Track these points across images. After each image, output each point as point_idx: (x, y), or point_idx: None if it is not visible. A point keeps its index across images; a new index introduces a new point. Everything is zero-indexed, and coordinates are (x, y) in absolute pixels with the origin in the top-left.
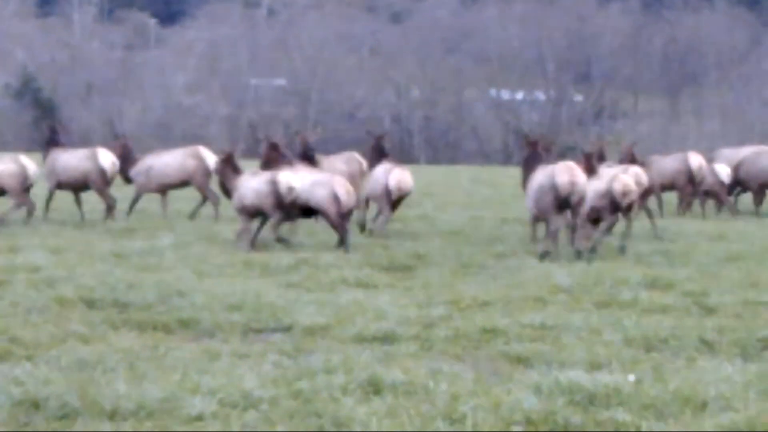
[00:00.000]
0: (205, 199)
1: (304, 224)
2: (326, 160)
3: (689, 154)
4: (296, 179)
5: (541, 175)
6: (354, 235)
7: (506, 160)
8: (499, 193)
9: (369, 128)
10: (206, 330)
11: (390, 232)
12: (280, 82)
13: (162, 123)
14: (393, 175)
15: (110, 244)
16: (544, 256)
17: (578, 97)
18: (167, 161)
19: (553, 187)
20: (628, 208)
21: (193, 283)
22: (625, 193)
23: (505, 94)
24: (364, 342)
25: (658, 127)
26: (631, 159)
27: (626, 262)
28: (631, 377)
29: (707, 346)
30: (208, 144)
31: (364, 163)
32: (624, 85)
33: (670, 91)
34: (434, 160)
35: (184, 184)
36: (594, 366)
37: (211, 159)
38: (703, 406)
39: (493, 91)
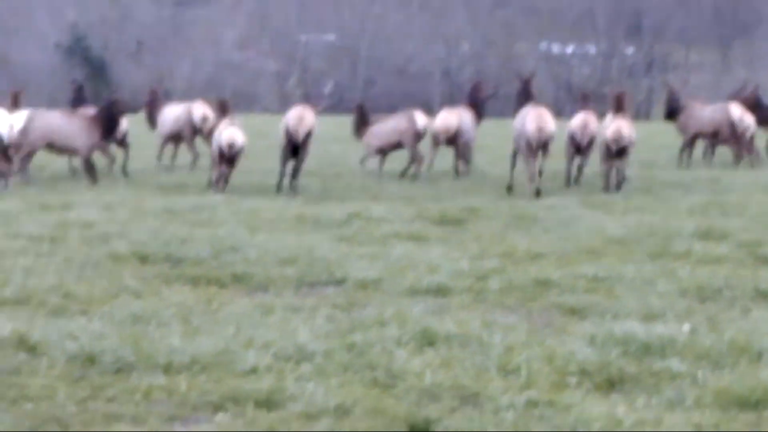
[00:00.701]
0: (413, 159)
1: (356, 179)
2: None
3: (730, 105)
4: None
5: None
6: (406, 187)
7: (556, 114)
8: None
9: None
10: (259, 284)
11: (441, 186)
12: (330, 37)
13: (212, 80)
14: (530, 118)
15: (162, 199)
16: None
17: (629, 50)
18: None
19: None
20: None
21: (245, 238)
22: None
23: (556, 48)
24: (417, 295)
25: (709, 78)
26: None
27: (680, 213)
28: (686, 327)
29: (762, 296)
30: (257, 100)
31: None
32: (675, 37)
33: (722, 43)
34: (485, 113)
35: (398, 146)
36: (648, 317)
37: (422, 121)
38: (759, 356)
39: (543, 45)
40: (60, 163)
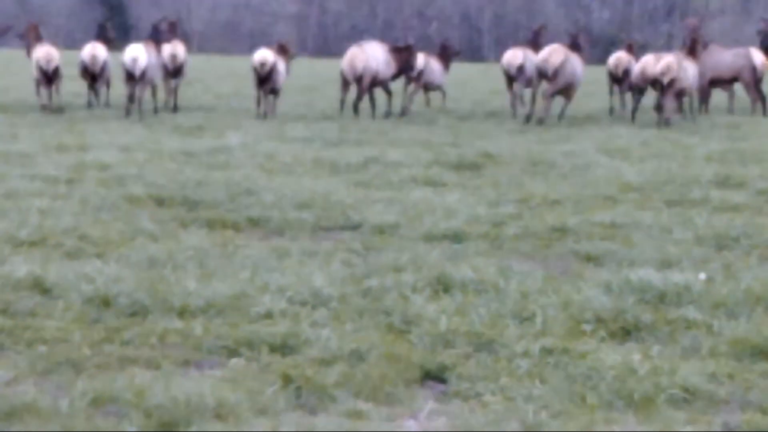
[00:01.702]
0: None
1: (375, 123)
2: None
3: (751, 49)
4: None
5: None
6: (424, 132)
7: None
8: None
9: None
10: (275, 228)
11: (459, 131)
12: None
13: (230, 21)
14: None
15: (179, 142)
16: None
17: None
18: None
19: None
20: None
21: (262, 182)
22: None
23: None
24: (434, 240)
25: (730, 24)
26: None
27: (697, 160)
28: (702, 276)
29: None
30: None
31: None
32: None
33: None
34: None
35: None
36: (664, 264)
37: (759, 58)
38: None
39: None
40: (79, 103)
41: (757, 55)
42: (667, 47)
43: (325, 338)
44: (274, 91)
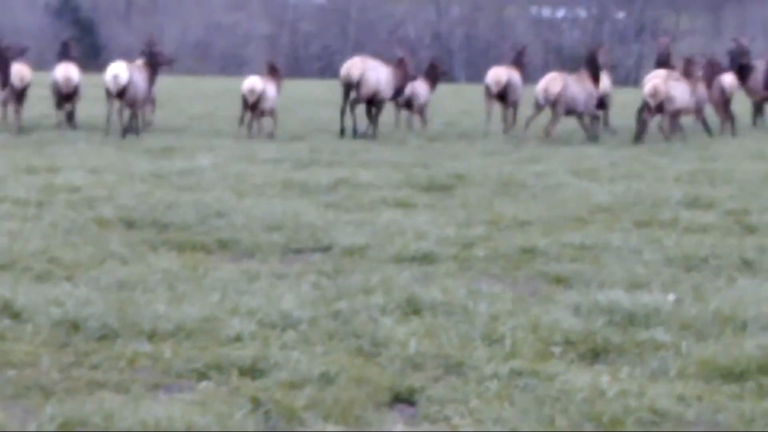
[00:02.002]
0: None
1: (345, 144)
2: None
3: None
4: None
5: None
6: (394, 153)
7: None
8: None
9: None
10: (245, 250)
11: (429, 152)
12: (320, 0)
13: (201, 42)
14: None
15: (149, 164)
16: None
17: (620, 14)
18: None
19: None
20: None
21: (232, 203)
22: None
23: (546, 12)
24: (403, 262)
25: (700, 44)
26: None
27: (667, 181)
28: (671, 297)
29: (748, 265)
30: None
31: None
32: (666, 1)
33: (713, 8)
34: (474, 78)
35: None
36: (634, 286)
37: (728, 79)
38: (744, 326)
39: (534, 9)
40: (48, 124)
41: (726, 76)
42: (637, 67)
43: (294, 361)
44: (265, 114)
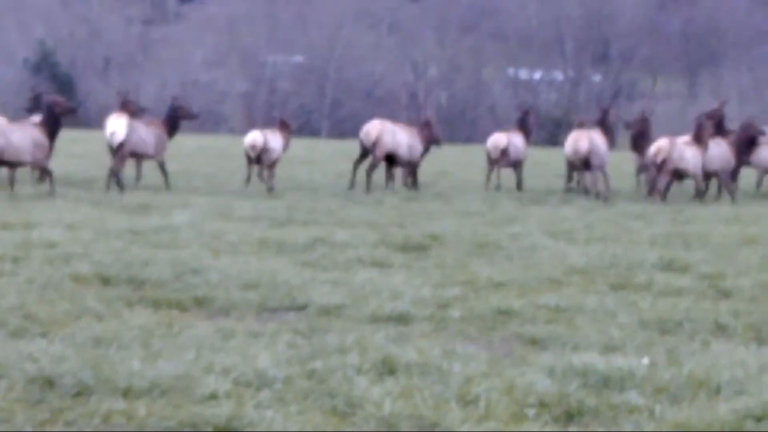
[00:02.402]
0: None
1: (322, 202)
2: None
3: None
4: None
5: None
6: (371, 213)
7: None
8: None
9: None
10: (221, 308)
11: (405, 212)
12: (298, 59)
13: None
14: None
15: (126, 220)
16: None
17: (596, 77)
18: None
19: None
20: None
21: (208, 261)
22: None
23: (523, 74)
24: (379, 322)
25: (676, 107)
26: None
27: (642, 244)
28: (645, 360)
29: (722, 329)
30: (223, 120)
31: None
32: (642, 65)
33: (688, 72)
34: (451, 138)
35: None
36: (608, 348)
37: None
38: (718, 390)
39: (511, 70)
40: (22, 180)
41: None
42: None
43: (269, 420)
44: (270, 166)
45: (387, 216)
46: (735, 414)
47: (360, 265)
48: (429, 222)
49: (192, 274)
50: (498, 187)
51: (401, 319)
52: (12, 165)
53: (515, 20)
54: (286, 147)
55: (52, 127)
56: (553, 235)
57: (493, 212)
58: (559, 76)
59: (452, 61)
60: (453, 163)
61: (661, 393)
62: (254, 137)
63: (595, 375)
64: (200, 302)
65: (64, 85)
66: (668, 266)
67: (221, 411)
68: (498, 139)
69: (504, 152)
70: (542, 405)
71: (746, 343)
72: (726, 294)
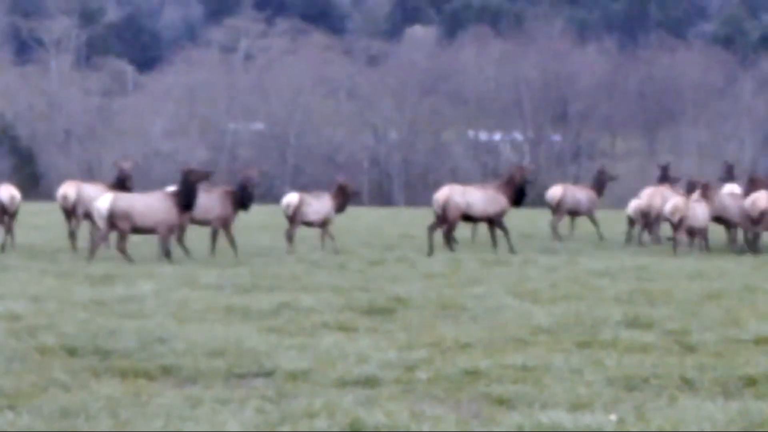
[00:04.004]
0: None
1: (285, 268)
2: None
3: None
4: None
5: None
6: (335, 277)
7: None
8: (478, 234)
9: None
10: (188, 376)
11: (370, 275)
12: (258, 126)
13: (140, 169)
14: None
15: (90, 291)
16: None
17: (556, 137)
18: None
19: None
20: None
21: (174, 329)
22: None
23: (483, 135)
24: (346, 386)
25: (636, 165)
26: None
27: (606, 301)
28: (613, 417)
29: (688, 384)
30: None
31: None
32: (601, 124)
33: (647, 130)
34: (413, 201)
35: None
36: (576, 406)
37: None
38: None
39: (471, 133)
40: None
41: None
42: None
43: None
44: (318, 225)
45: (351, 280)
46: None
47: (326, 330)
48: (393, 285)
49: (158, 343)
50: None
51: (368, 383)
52: None
53: (473, 82)
54: (337, 209)
55: None
56: (517, 295)
57: (457, 274)
58: (518, 136)
59: (412, 124)
60: (416, 225)
61: None
62: (289, 198)
63: None
64: (167, 371)
65: (25, 158)
66: (633, 323)
67: None
68: (555, 190)
69: (559, 203)
70: None
71: (713, 398)
72: (691, 349)
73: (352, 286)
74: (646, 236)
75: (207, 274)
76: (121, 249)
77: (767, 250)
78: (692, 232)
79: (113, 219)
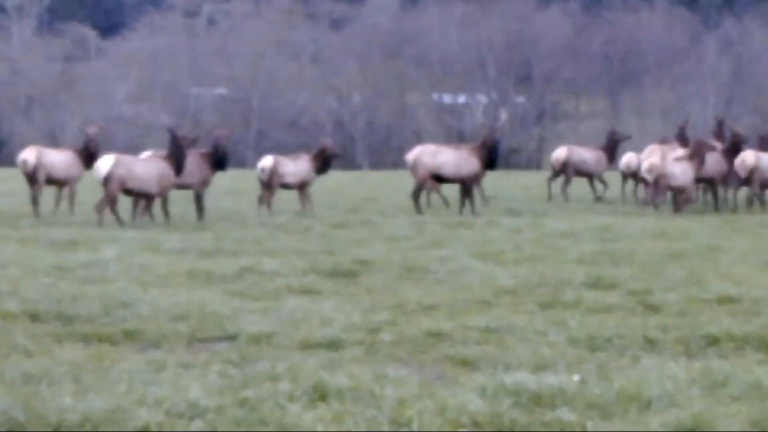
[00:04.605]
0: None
1: (248, 233)
2: None
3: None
4: None
5: None
6: (299, 241)
7: None
8: (442, 197)
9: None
10: (151, 341)
11: (333, 238)
12: (222, 91)
13: (103, 134)
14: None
15: (53, 257)
16: None
17: (520, 99)
18: None
19: None
20: None
21: (137, 294)
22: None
23: (447, 98)
24: (310, 349)
25: (599, 127)
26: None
27: (570, 262)
28: (576, 377)
29: (651, 344)
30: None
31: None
32: (565, 86)
33: (611, 92)
34: (377, 165)
35: None
36: (539, 367)
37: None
38: (648, 404)
39: (435, 95)
40: None
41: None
42: (539, 151)
43: None
44: (296, 188)
45: (315, 243)
46: (666, 427)
47: (289, 293)
48: (357, 248)
49: (121, 307)
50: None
51: (332, 346)
52: None
53: (437, 45)
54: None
55: None
56: (481, 257)
57: (421, 236)
58: (482, 99)
59: (375, 87)
60: (379, 188)
61: (593, 409)
62: (264, 161)
63: (527, 393)
64: (130, 335)
65: None
66: (596, 284)
67: None
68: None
69: (565, 164)
70: (475, 425)
71: (675, 357)
72: (654, 309)
73: (316, 249)
74: (641, 193)
75: (170, 238)
76: (108, 209)
77: (728, 210)
78: (677, 191)
79: (109, 181)
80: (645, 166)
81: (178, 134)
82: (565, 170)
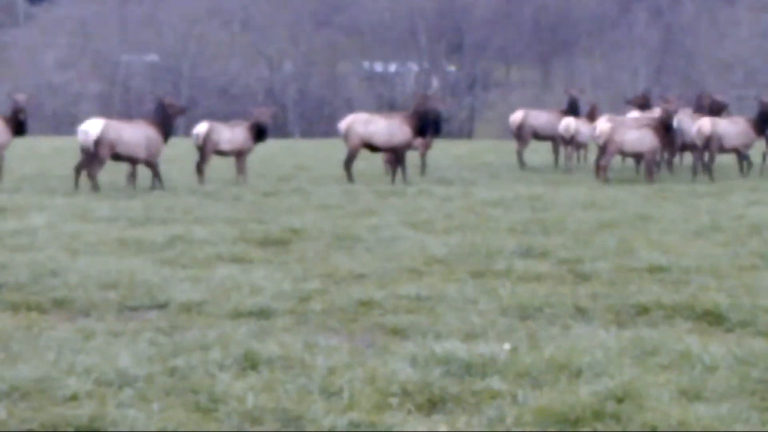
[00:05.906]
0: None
1: (179, 200)
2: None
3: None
4: None
5: None
6: (229, 209)
7: None
8: (372, 165)
9: None
10: (81, 309)
11: (264, 207)
12: (152, 58)
13: (32, 102)
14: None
15: None
16: None
17: (451, 68)
18: None
19: None
20: None
21: (66, 262)
22: None
23: (378, 66)
24: (240, 317)
25: (530, 96)
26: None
27: (500, 231)
28: (507, 346)
29: (582, 313)
30: (78, 122)
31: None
32: (496, 55)
33: (542, 60)
34: (309, 133)
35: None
36: (470, 336)
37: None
38: (578, 373)
39: (366, 64)
40: None
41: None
42: (470, 120)
43: (131, 419)
44: (233, 155)
45: (246, 212)
46: (596, 396)
47: (219, 262)
48: (288, 216)
49: (50, 275)
50: None
51: (262, 314)
52: None
53: (369, 14)
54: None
55: None
56: (412, 226)
57: (352, 205)
58: (414, 67)
59: (307, 55)
60: (311, 157)
61: (523, 378)
62: (198, 128)
63: (457, 362)
64: (60, 304)
65: None
66: (527, 252)
67: (83, 411)
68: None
69: (519, 128)
70: (405, 394)
71: (606, 326)
72: (584, 278)
73: (247, 217)
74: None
75: (99, 206)
76: (92, 175)
77: (660, 179)
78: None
79: (98, 146)
80: (596, 132)
81: (166, 101)
82: (521, 134)
